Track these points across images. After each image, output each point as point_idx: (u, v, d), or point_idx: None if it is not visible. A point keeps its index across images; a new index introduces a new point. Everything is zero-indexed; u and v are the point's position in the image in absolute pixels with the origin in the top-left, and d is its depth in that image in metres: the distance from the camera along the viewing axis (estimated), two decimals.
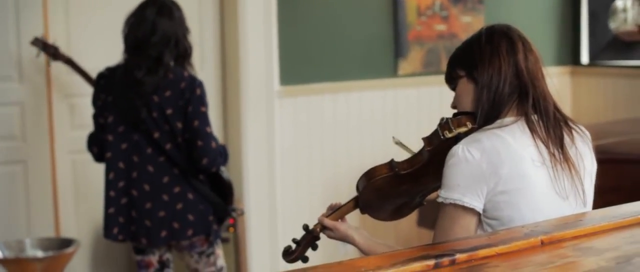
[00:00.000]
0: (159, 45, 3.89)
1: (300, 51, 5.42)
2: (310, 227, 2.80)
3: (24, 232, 4.89)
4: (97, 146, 4.08)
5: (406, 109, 5.78)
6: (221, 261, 4.16)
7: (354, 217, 2.95)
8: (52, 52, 4.61)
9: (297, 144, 5.44)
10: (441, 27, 5.90)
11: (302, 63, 5.43)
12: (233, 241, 4.92)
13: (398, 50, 5.74)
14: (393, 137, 2.71)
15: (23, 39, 4.85)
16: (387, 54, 5.74)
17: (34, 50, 4.72)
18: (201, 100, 3.90)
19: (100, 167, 4.72)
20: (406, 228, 5.58)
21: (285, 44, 5.34)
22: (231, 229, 4.40)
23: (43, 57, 4.80)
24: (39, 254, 2.06)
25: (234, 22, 5.25)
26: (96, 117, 4.06)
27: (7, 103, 4.88)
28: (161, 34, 3.89)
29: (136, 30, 3.92)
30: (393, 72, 5.76)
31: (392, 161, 2.64)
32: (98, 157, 4.12)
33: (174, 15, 3.96)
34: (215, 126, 4.01)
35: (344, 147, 5.58)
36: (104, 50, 4.88)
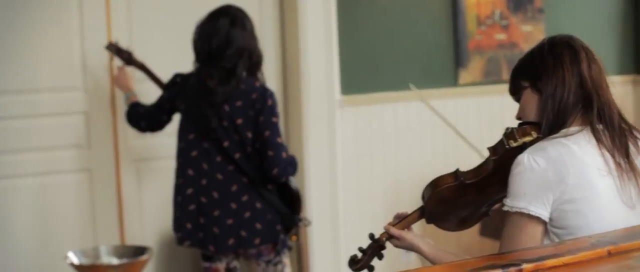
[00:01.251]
0: (234, 57, 3.95)
1: (361, 61, 5.44)
2: (376, 236, 2.82)
3: (90, 240, 4.97)
4: (147, 122, 4.31)
5: (466, 118, 5.76)
6: (288, 270, 4.19)
7: (418, 227, 2.96)
8: (126, 57, 4.66)
9: (358, 153, 5.46)
10: (501, 36, 5.88)
11: (362, 73, 5.44)
12: (296, 249, 4.95)
13: (458, 60, 5.74)
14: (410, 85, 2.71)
15: (87, 49, 4.94)
16: (447, 64, 5.74)
17: (98, 59, 4.82)
18: (272, 110, 3.95)
19: (166, 175, 4.81)
20: (468, 237, 5.56)
21: (345, 53, 5.36)
22: (294, 237, 4.43)
23: (109, 64, 4.88)
24: (114, 261, 2.12)
25: (295, 32, 5.29)
26: (160, 109, 4.20)
27: (73, 112, 4.97)
28: (236, 47, 3.95)
29: (210, 42, 3.98)
30: (453, 82, 5.75)
31: (457, 170, 2.65)
32: (142, 130, 4.40)
33: (247, 27, 4.02)
34: None
35: (404, 156, 5.59)
36: (167, 57, 4.96)
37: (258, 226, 3.99)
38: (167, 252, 5.15)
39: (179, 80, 4.15)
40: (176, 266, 5.22)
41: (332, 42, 5.29)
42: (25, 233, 4.90)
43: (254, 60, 4.05)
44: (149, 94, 4.60)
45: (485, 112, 5.81)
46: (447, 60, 5.75)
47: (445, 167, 2.77)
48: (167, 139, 4.69)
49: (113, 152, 5.02)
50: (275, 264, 4.12)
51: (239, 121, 3.92)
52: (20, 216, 4.90)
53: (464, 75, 5.76)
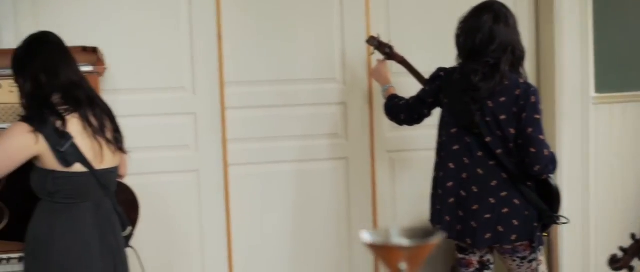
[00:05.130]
0: (497, 52, 3.95)
1: (617, 59, 5.34)
2: (638, 236, 2.80)
3: (344, 225, 5.18)
4: (406, 114, 4.37)
5: None
6: (543, 268, 4.15)
7: None
8: (387, 52, 4.76)
9: (611, 152, 5.37)
10: None
11: (619, 71, 5.34)
12: (547, 246, 4.92)
13: None
14: None
15: (347, 43, 5.10)
16: None
17: (357, 53, 4.96)
18: (535, 107, 3.93)
19: (418, 167, 4.92)
20: None
21: (601, 51, 5.28)
22: (545, 234, 4.42)
23: (367, 58, 5.04)
24: (404, 242, 2.15)
25: (550, 30, 5.26)
26: (422, 102, 4.27)
27: (332, 103, 5.16)
28: (499, 42, 3.95)
29: (473, 37, 4.00)
30: None
31: None
32: (401, 123, 4.43)
33: (510, 23, 4.02)
34: None
35: None
36: (425, 51, 5.05)
37: (515, 222, 3.99)
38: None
39: (442, 74, 4.19)
40: (433, 256, 5.31)
41: (588, 39, 5.23)
42: (282, 216, 5.16)
43: (517, 56, 4.04)
44: (408, 87, 4.70)
45: None
46: None
47: None
48: (421, 131, 4.78)
49: (369, 143, 5.18)
50: (530, 261, 4.10)
51: (502, 117, 3.94)
52: (279, 200, 5.15)
53: None
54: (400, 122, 4.46)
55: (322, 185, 5.19)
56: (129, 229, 3.66)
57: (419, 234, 1.53)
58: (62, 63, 3.46)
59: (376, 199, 5.21)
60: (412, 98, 4.37)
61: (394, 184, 5.27)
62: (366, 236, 1.53)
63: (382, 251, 1.53)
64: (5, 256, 3.98)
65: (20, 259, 3.95)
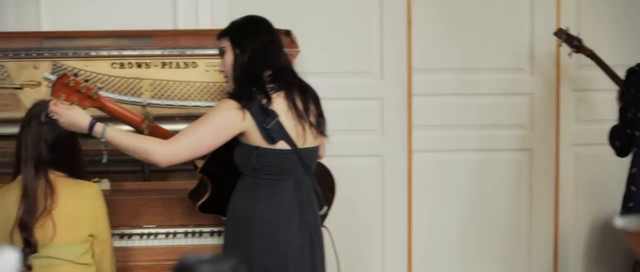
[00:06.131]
0: None
1: None
2: None
3: (525, 216, 5.18)
4: (620, 139, 4.11)
5: None
6: None
7: None
8: (576, 45, 4.71)
9: None
10: None
11: None
12: None
13: None
14: None
15: (536, 32, 5.08)
16: None
17: (545, 44, 4.93)
18: None
19: (603, 162, 4.83)
20: None
21: None
22: None
23: (556, 50, 4.99)
24: None
25: None
26: (623, 111, 4.12)
27: (519, 93, 5.15)
28: None
29: None
30: None
31: None
32: (620, 152, 4.15)
33: None
34: None
35: None
36: (614, 45, 5.00)
37: None
38: (599, 237, 5.19)
39: (637, 69, 4.11)
40: (606, 255, 5.25)
41: None
42: (462, 204, 5.20)
43: None
44: (596, 81, 4.64)
45: None
46: None
47: None
48: (609, 125, 4.71)
49: (554, 135, 5.14)
50: None
51: None
52: (460, 188, 5.19)
53: None
54: (616, 150, 4.18)
55: (505, 175, 5.19)
56: (325, 208, 3.73)
57: None
58: (278, 46, 3.54)
59: (558, 192, 5.16)
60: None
61: (578, 178, 5.22)
62: (620, 222, 1.52)
63: (638, 238, 1.51)
64: (197, 229, 4.09)
65: (211, 233, 4.06)
